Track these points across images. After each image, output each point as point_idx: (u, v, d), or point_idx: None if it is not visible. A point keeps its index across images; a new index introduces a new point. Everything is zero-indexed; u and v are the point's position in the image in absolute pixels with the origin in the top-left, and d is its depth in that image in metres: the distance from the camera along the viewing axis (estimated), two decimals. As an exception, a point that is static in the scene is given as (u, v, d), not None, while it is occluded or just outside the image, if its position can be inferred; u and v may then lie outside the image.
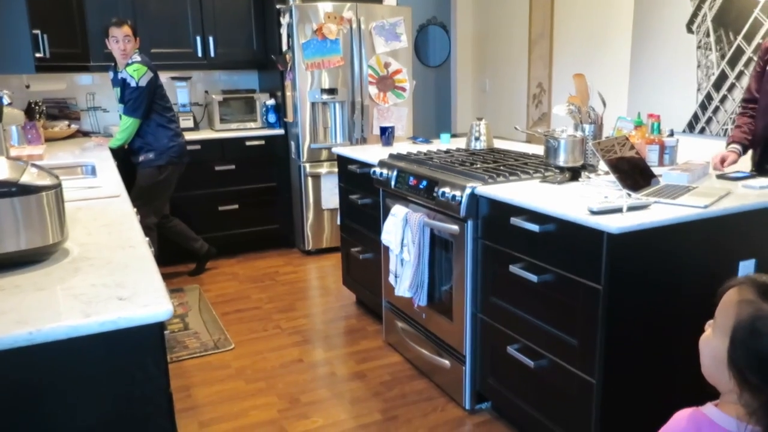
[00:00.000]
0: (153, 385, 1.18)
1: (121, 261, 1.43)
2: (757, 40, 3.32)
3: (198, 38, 4.42)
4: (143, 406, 1.18)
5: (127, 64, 3.59)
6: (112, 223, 1.80)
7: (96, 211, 1.96)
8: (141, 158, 3.74)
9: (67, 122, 4.30)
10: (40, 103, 4.10)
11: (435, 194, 2.44)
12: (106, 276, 1.33)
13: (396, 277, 2.74)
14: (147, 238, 1.67)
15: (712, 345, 0.94)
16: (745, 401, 0.89)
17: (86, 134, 4.41)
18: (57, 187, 1.45)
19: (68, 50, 4.05)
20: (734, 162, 2.52)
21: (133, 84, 3.57)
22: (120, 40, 3.57)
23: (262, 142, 4.55)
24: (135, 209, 3.72)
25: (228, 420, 2.46)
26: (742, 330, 0.89)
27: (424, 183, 2.54)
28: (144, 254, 1.49)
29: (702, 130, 3.71)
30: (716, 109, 3.60)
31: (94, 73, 4.43)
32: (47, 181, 1.44)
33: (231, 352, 3.05)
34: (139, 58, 3.61)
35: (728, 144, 2.62)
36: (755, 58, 2.72)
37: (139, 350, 1.17)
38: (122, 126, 3.67)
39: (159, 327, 1.18)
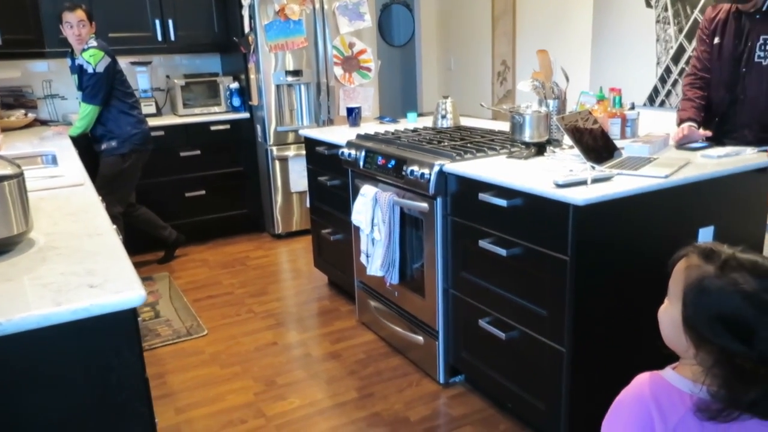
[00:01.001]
0: (129, 371, 1.18)
1: (90, 249, 1.41)
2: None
3: (157, 21, 4.32)
4: (120, 392, 1.18)
5: (83, 50, 3.49)
6: (78, 212, 1.77)
7: (60, 200, 1.93)
8: (103, 146, 3.66)
9: (23, 111, 4.18)
10: (-6, 92, 3.97)
11: (404, 173, 2.46)
12: (75, 264, 1.31)
13: (367, 256, 2.76)
14: (114, 226, 1.65)
15: (669, 313, 1.01)
16: (701, 358, 0.95)
17: (44, 123, 4.29)
18: (19, 176, 1.42)
19: (21, 36, 3.93)
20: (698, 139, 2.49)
21: (90, 70, 3.47)
22: (74, 26, 3.47)
23: (228, 127, 4.49)
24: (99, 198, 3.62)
25: (204, 405, 2.46)
26: (691, 291, 0.96)
27: (393, 162, 2.55)
28: (113, 241, 1.47)
29: (662, 103, 3.79)
30: (675, 82, 3.68)
31: (49, 60, 4.30)
32: (8, 170, 1.41)
33: (204, 338, 3.04)
34: (95, 43, 3.51)
35: (681, 121, 2.56)
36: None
37: (114, 337, 1.16)
38: (81, 113, 3.58)
39: (132, 312, 1.17)
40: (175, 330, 3.12)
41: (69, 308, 1.10)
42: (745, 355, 0.90)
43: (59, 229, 1.60)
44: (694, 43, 3.47)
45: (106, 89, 3.55)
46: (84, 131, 3.63)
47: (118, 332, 1.16)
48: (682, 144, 2.44)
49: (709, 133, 2.46)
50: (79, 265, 1.30)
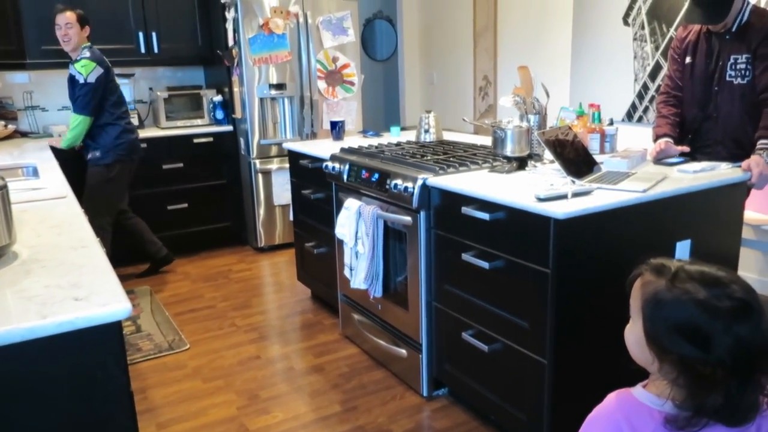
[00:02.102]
0: (114, 385, 1.18)
1: (75, 261, 1.41)
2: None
3: (140, 34, 4.32)
4: (105, 406, 1.18)
5: (76, 60, 3.48)
6: (62, 224, 1.76)
7: (43, 212, 1.91)
8: (89, 156, 3.66)
9: (3, 122, 4.14)
10: (-27, 103, 3.93)
11: (387, 186, 2.48)
12: (59, 277, 1.31)
13: (351, 269, 2.77)
14: (98, 239, 1.64)
15: (633, 331, 1.05)
16: (665, 371, 0.99)
17: (25, 134, 4.26)
18: (2, 189, 1.42)
19: (2, 47, 3.91)
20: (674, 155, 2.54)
21: (81, 80, 3.46)
22: (62, 27, 3.47)
23: (211, 139, 4.49)
24: (86, 209, 3.67)
25: (186, 420, 2.44)
26: (648, 305, 1.01)
27: (377, 176, 2.58)
28: (97, 253, 1.47)
29: (640, 119, 3.87)
30: (652, 99, 3.76)
31: (30, 71, 4.27)
32: (-8, 182, 1.40)
33: (186, 352, 3.02)
34: (88, 54, 3.50)
35: (657, 137, 2.61)
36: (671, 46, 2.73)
37: (99, 350, 1.16)
38: (72, 124, 3.55)
39: (118, 325, 1.17)
40: (157, 344, 3.10)
41: (54, 321, 1.09)
42: (704, 361, 0.94)
43: (43, 241, 1.59)
44: (669, 60, 3.56)
45: (96, 100, 3.53)
46: (74, 143, 3.60)
47: (103, 345, 1.16)
48: (660, 159, 2.49)
49: (686, 149, 2.52)
50: (63, 278, 1.30)
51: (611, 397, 1.08)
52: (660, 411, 1.00)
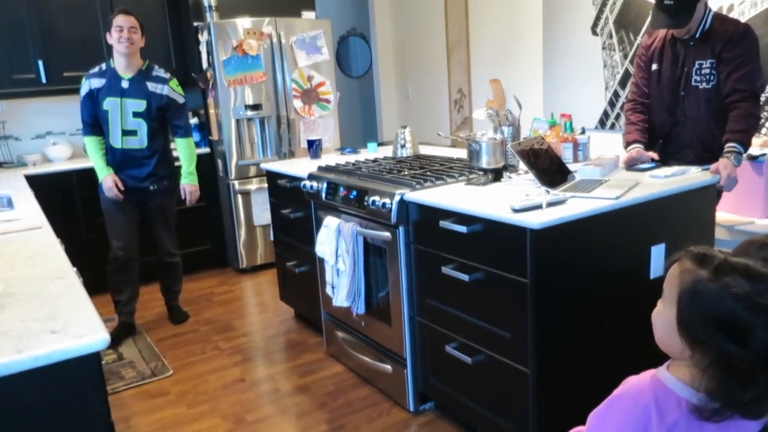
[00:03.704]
0: (94, 416, 1.16)
1: (50, 293, 1.40)
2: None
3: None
4: (85, 438, 1.17)
5: (168, 80, 3.33)
6: (37, 256, 1.74)
7: (17, 244, 1.89)
8: (153, 188, 3.42)
9: (-25, 153, 4.09)
10: (-56, 135, 3.88)
11: (366, 203, 2.49)
12: (35, 310, 1.30)
13: (333, 287, 2.77)
14: (74, 268, 1.63)
15: (664, 315, 1.03)
16: (697, 360, 0.98)
17: (-2, 165, 4.21)
18: (-25, 223, 1.41)
19: (-27, 78, 3.87)
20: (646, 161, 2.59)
21: (182, 101, 3.38)
22: (124, 29, 3.21)
23: (188, 162, 4.46)
24: (169, 241, 3.53)
25: (172, 447, 2.42)
26: (686, 295, 0.99)
27: (355, 193, 2.59)
28: (74, 284, 1.46)
29: (612, 126, 3.94)
30: (623, 106, 3.83)
31: (2, 101, 4.23)
32: (-36, 217, 1.39)
33: (170, 378, 2.98)
34: (168, 73, 3.39)
35: (628, 144, 2.66)
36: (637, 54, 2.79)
37: (78, 382, 1.15)
38: (188, 152, 3.42)
39: (96, 356, 1.16)
40: (140, 372, 3.06)
41: (31, 355, 1.08)
42: (741, 356, 0.93)
43: (17, 274, 1.57)
44: (638, 68, 3.63)
45: None
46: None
47: (81, 377, 1.15)
48: (632, 165, 2.54)
49: (656, 156, 2.57)
50: (39, 311, 1.29)
51: (639, 379, 1.06)
52: (688, 401, 0.98)
